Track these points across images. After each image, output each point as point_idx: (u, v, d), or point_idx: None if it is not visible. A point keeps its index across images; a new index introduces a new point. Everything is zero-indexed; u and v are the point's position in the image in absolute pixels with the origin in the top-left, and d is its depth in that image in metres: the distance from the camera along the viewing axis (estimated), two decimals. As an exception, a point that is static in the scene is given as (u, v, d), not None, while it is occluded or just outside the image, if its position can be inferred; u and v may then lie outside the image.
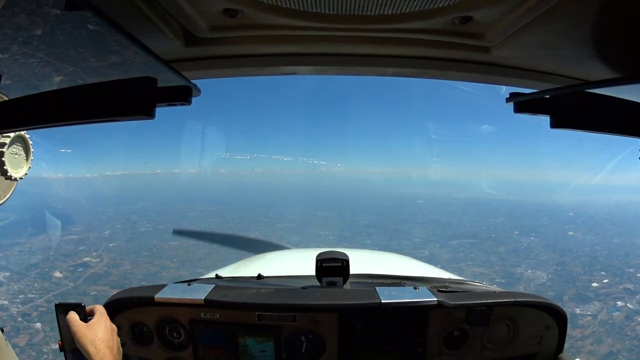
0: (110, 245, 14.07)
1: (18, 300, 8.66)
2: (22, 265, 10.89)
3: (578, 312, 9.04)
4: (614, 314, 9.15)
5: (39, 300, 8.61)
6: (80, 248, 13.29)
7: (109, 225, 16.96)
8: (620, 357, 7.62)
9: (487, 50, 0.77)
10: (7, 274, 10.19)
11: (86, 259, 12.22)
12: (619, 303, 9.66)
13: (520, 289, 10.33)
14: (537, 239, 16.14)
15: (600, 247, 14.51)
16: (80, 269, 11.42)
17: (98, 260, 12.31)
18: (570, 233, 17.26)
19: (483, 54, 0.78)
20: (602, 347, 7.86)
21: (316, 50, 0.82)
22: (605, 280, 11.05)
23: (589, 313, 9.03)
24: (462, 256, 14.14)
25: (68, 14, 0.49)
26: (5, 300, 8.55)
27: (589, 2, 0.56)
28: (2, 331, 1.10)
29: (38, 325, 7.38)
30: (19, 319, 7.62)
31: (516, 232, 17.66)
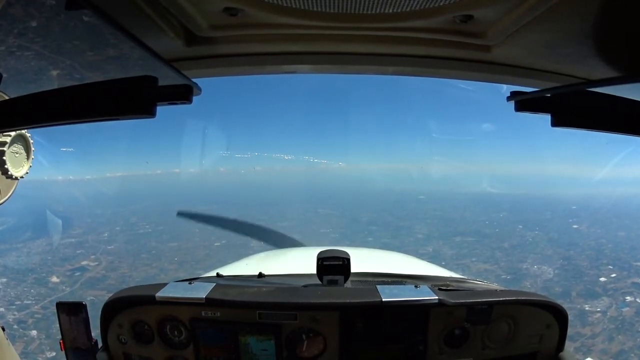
0: (109, 248, 14.01)
1: (14, 307, 8.61)
2: (19, 270, 10.85)
3: (587, 308, 8.85)
4: (624, 309, 8.97)
5: (35, 307, 8.55)
6: (78, 251, 13.23)
7: (108, 227, 16.93)
8: (632, 354, 7.50)
9: (487, 49, 0.77)
10: (4, 280, 10.14)
11: (84, 262, 12.16)
12: (628, 298, 9.46)
13: (527, 285, 10.23)
14: (542, 232, 16.00)
15: (606, 240, 14.33)
16: (78, 273, 11.37)
17: (96, 263, 12.25)
18: (575, 226, 17.12)
19: (484, 53, 0.78)
20: (613, 345, 7.73)
21: (317, 49, 0.81)
22: (613, 275, 10.87)
23: (598, 309, 8.84)
24: (467, 252, 14.03)
25: (68, 14, 0.48)
26: (1, 307, 8.49)
27: (590, 1, 0.56)
28: (3, 330, 1.10)
29: (34, 332, 7.27)
30: (15, 326, 7.51)
31: (520, 227, 17.53)
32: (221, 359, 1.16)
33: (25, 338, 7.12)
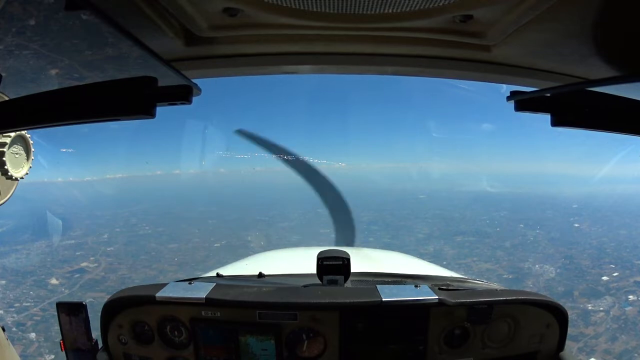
0: (109, 249, 13.96)
1: (13, 309, 8.58)
2: (18, 272, 10.84)
3: (590, 307, 8.79)
4: (627, 308, 8.91)
5: (34, 309, 8.52)
6: (78, 253, 13.20)
7: (107, 228, 16.91)
8: (636, 354, 7.43)
9: (487, 49, 0.77)
10: (4, 282, 10.12)
11: (83, 264, 12.13)
12: (631, 297, 9.39)
13: (530, 284, 10.18)
14: (543, 231, 15.93)
15: (608, 239, 14.26)
16: (77, 275, 11.33)
17: (95, 265, 12.22)
18: (576, 225, 17.07)
19: (484, 53, 0.78)
20: (617, 344, 7.66)
21: (317, 50, 0.81)
22: (615, 274, 10.79)
23: (601, 309, 8.77)
24: (468, 252, 13.99)
25: (68, 14, 0.48)
26: (0, 309, 8.46)
27: (590, 1, 0.56)
28: (4, 330, 1.11)
29: (32, 335, 7.24)
30: (14, 328, 7.48)
31: (521, 225, 17.48)
32: (221, 359, 1.15)
33: (24, 341, 7.08)
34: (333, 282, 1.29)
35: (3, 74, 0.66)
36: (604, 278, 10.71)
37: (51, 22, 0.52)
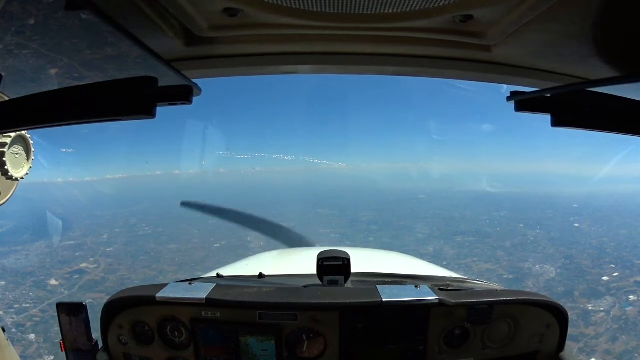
0: (108, 250, 13.93)
1: (13, 310, 8.57)
2: (18, 273, 10.84)
3: (590, 308, 8.76)
4: (627, 309, 8.88)
5: (34, 310, 8.50)
6: (77, 254, 13.19)
7: (107, 229, 16.90)
8: (637, 354, 7.41)
9: (487, 49, 0.77)
10: (3, 282, 10.11)
11: (83, 265, 12.12)
12: (632, 297, 9.35)
13: (530, 285, 10.16)
14: (543, 231, 15.90)
15: (608, 239, 14.25)
16: (76, 276, 11.32)
17: (95, 266, 12.20)
18: (576, 225, 17.06)
19: (484, 53, 0.78)
20: (617, 345, 7.64)
21: (317, 50, 0.81)
22: (616, 274, 10.76)
23: (601, 309, 8.74)
24: (468, 252, 13.98)
25: (68, 14, 0.48)
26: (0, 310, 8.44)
27: (590, 1, 0.56)
28: (4, 330, 1.12)
29: (32, 336, 7.20)
30: (13, 329, 7.44)
31: (521, 225, 17.49)
32: (221, 359, 1.16)
33: (23, 342, 7.04)
34: (333, 283, 1.30)
35: (3, 74, 0.66)
36: (605, 278, 10.69)
37: (51, 22, 0.52)
